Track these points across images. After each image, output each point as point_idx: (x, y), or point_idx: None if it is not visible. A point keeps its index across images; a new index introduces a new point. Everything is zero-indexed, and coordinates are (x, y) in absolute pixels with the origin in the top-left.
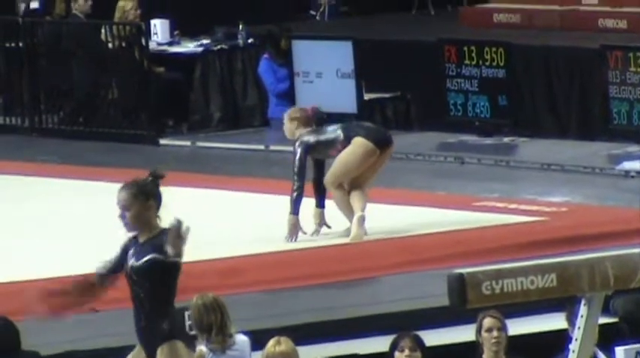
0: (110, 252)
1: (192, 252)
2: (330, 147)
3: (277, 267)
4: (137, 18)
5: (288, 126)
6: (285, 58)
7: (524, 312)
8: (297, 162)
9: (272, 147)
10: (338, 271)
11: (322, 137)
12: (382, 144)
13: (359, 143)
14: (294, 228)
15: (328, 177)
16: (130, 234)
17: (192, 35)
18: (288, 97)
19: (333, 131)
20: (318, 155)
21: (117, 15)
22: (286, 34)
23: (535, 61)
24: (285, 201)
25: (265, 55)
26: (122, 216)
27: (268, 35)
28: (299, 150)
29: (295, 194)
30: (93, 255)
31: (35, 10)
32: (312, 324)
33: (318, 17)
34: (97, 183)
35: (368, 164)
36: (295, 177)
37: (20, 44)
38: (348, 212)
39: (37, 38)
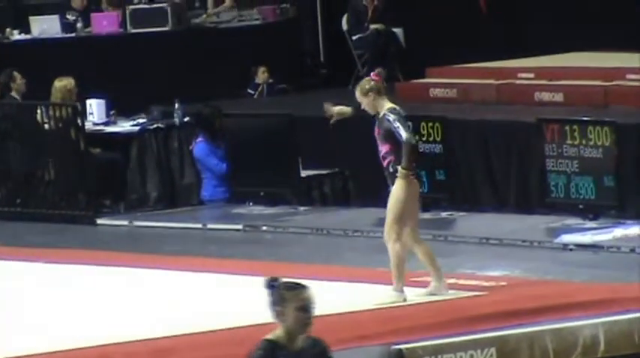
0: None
1: (129, 332)
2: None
3: (215, 346)
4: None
5: (366, 102)
6: (220, 139)
7: None
8: (397, 123)
9: (209, 226)
10: None
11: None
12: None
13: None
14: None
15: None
16: None
17: (128, 115)
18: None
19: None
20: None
21: (57, 95)
22: (218, 114)
23: (472, 135)
24: (223, 280)
25: (200, 139)
26: None
27: (200, 118)
28: (392, 116)
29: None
30: (24, 336)
31: None
32: None
33: (256, 96)
34: (35, 264)
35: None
36: (404, 132)
37: None
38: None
39: None
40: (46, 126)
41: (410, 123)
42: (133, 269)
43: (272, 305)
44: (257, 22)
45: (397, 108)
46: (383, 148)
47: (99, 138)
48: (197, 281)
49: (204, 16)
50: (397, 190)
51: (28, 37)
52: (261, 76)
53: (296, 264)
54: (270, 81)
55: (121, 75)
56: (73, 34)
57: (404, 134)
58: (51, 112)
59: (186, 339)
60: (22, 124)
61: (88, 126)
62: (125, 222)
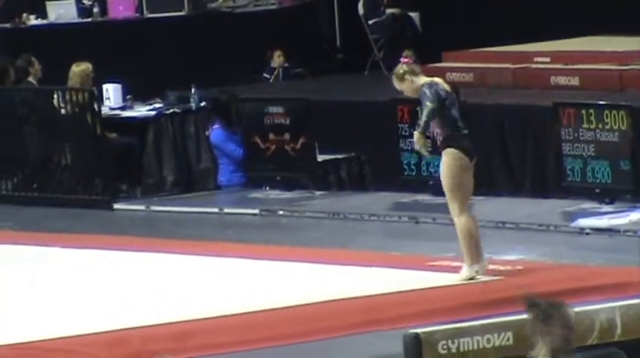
0: (65, 317)
1: (146, 316)
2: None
3: (232, 330)
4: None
5: (405, 86)
6: (236, 125)
7: None
8: (429, 91)
9: (226, 210)
10: (293, 333)
11: (451, 97)
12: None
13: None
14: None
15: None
16: None
17: (145, 99)
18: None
19: (455, 115)
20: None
21: (74, 80)
22: (234, 100)
23: (488, 120)
24: (240, 264)
25: (216, 125)
26: None
27: (216, 104)
28: (432, 89)
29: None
30: (48, 321)
31: None
32: None
33: (272, 80)
34: (52, 249)
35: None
36: (430, 97)
37: None
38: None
39: None
40: (63, 111)
41: (443, 95)
42: (149, 254)
43: (536, 325)
44: (273, 7)
45: (433, 82)
46: (433, 129)
47: (115, 123)
48: (214, 266)
49: (221, 0)
50: (441, 166)
51: (44, 22)
52: (277, 59)
53: (312, 248)
54: (286, 65)
55: (138, 60)
56: (89, 19)
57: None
58: (67, 97)
59: (204, 323)
60: (39, 109)
61: (105, 110)
62: (142, 207)
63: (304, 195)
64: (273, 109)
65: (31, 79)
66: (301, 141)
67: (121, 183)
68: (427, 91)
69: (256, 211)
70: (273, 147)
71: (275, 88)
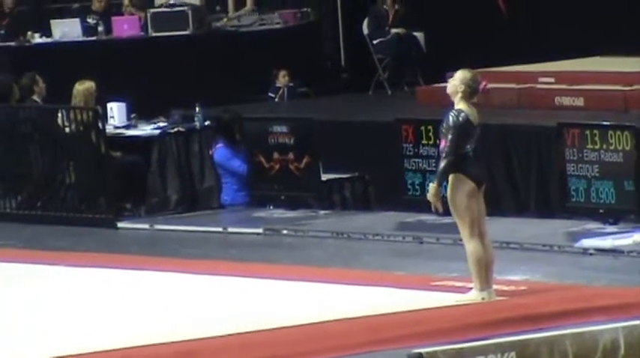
0: (68, 336)
1: (150, 336)
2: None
3: (235, 350)
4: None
5: (456, 85)
6: (239, 143)
7: None
8: (455, 134)
9: (230, 229)
10: (297, 353)
11: (474, 130)
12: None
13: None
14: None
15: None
16: None
17: (149, 118)
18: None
19: (469, 149)
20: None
21: (78, 98)
22: (238, 119)
23: (492, 140)
24: (243, 283)
25: (220, 144)
26: None
27: (219, 123)
28: (459, 124)
29: (445, 164)
30: (48, 340)
31: None
32: None
33: (277, 99)
34: (56, 268)
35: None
36: (449, 148)
37: None
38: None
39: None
40: (67, 129)
41: (462, 122)
42: (153, 273)
43: None
44: (278, 26)
45: (464, 113)
46: (441, 143)
47: (119, 142)
48: (218, 285)
49: (225, 19)
50: (448, 190)
51: (49, 40)
52: (282, 79)
53: (316, 267)
54: (291, 84)
55: (142, 78)
56: (94, 38)
57: (448, 147)
58: (72, 116)
59: (209, 342)
60: (43, 128)
61: (109, 129)
62: (146, 226)
63: (308, 215)
64: (277, 129)
65: (35, 97)
66: (305, 160)
67: (125, 201)
68: (453, 131)
69: (260, 230)
70: (278, 166)
71: (279, 107)
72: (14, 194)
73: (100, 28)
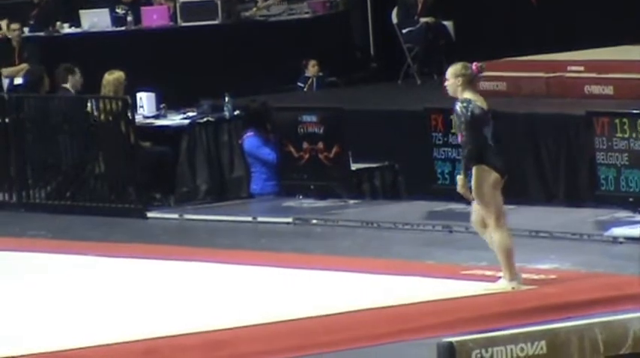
0: (97, 326)
1: (178, 326)
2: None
3: (266, 339)
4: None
5: (452, 82)
6: (269, 132)
7: None
8: (469, 124)
9: (260, 219)
10: (326, 342)
11: (486, 116)
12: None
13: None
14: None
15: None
16: None
17: (178, 108)
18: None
19: (487, 134)
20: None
21: (108, 88)
22: (267, 108)
23: (521, 129)
24: (273, 273)
25: (249, 133)
26: None
27: (248, 112)
28: (469, 114)
29: (468, 153)
30: (77, 329)
31: (19, 85)
32: None
33: (305, 89)
34: (85, 258)
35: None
36: (468, 137)
37: (6, 120)
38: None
39: (23, 113)
40: (97, 119)
41: (477, 112)
42: (182, 263)
43: None
44: (307, 16)
45: (472, 101)
46: (459, 137)
47: (149, 132)
48: (247, 275)
49: (254, 9)
50: (472, 182)
51: (78, 30)
52: (312, 69)
53: (345, 257)
54: (320, 74)
55: (171, 68)
56: (123, 28)
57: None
58: (101, 105)
59: (236, 332)
60: (73, 118)
61: (139, 119)
62: (175, 216)
63: (338, 204)
64: (307, 118)
65: (67, 86)
66: (335, 150)
67: (154, 191)
68: (464, 119)
69: (290, 220)
70: (307, 156)
71: (309, 97)
72: (44, 184)
73: (129, 18)
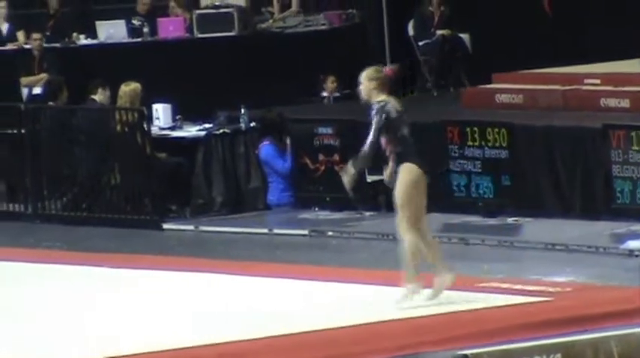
0: (113, 338)
1: (195, 337)
2: (395, 132)
3: (281, 352)
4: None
5: (366, 86)
6: (284, 142)
7: None
8: (374, 126)
9: (276, 231)
10: (342, 354)
11: (399, 124)
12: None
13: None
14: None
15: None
16: None
17: (194, 119)
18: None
19: (405, 133)
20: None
21: (124, 99)
22: (283, 119)
23: (538, 141)
24: (288, 285)
25: (265, 142)
26: None
27: (264, 122)
28: (377, 117)
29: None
30: (96, 341)
31: (38, 95)
32: None
33: (326, 101)
34: (101, 269)
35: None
36: (370, 140)
37: (23, 130)
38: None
39: (40, 124)
40: (112, 130)
41: (394, 114)
42: (198, 274)
43: None
44: (323, 28)
45: (387, 102)
46: (385, 146)
47: (165, 143)
48: (263, 287)
49: (271, 21)
50: (397, 182)
51: (94, 41)
52: (330, 85)
53: (361, 269)
54: (337, 94)
55: (187, 80)
56: (139, 39)
57: (369, 137)
58: (117, 117)
59: (254, 344)
60: (89, 129)
61: (154, 130)
62: (191, 227)
63: (354, 216)
64: (322, 130)
65: (95, 97)
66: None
67: (170, 203)
68: (374, 122)
69: (306, 232)
70: (323, 167)
71: (324, 109)
72: (60, 195)
73: (146, 30)
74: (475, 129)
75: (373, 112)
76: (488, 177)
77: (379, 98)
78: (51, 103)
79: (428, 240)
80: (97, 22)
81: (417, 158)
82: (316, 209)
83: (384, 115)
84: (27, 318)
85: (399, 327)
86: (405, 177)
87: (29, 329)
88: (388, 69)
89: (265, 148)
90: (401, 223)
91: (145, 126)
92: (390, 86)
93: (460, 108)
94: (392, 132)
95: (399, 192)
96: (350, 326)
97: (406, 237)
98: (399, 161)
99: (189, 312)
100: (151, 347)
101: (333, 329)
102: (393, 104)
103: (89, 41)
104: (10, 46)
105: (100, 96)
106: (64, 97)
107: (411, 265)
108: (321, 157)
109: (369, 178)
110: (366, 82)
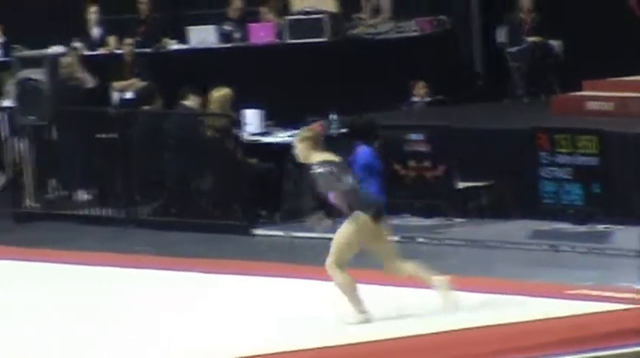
0: (202, 341)
1: (286, 342)
2: (332, 188)
3: (383, 356)
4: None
5: (300, 148)
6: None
7: None
8: (326, 184)
9: None
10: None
11: (340, 176)
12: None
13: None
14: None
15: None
16: None
17: (285, 125)
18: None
19: (352, 182)
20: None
21: (214, 105)
22: (374, 124)
23: (629, 149)
24: (379, 291)
25: (364, 147)
26: None
27: (356, 127)
28: (324, 173)
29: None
30: (186, 345)
31: (129, 100)
32: None
33: (417, 106)
34: (190, 274)
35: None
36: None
37: (115, 135)
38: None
39: (132, 129)
40: (203, 136)
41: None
42: (288, 280)
43: None
44: (415, 34)
45: (322, 161)
46: (333, 200)
47: (255, 149)
48: None
49: (361, 27)
50: (343, 224)
51: (185, 47)
52: (420, 91)
53: (451, 275)
54: (428, 99)
55: (278, 85)
56: (229, 44)
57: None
58: (207, 122)
59: (344, 350)
60: (179, 134)
61: (245, 136)
62: (281, 233)
63: (443, 223)
64: (413, 136)
65: (187, 103)
66: (441, 168)
67: (260, 208)
68: (323, 172)
69: (396, 238)
70: (413, 174)
71: (415, 115)
72: (149, 200)
73: (236, 35)
74: (566, 136)
75: (318, 171)
76: (578, 185)
77: (316, 158)
78: (146, 108)
79: (408, 265)
80: (188, 28)
81: (368, 205)
82: (406, 215)
83: (327, 171)
84: (117, 322)
85: (486, 334)
86: (351, 226)
87: (120, 333)
88: (317, 125)
89: (364, 151)
90: (329, 258)
91: (235, 131)
92: (323, 141)
93: (550, 115)
94: (337, 185)
95: (340, 237)
96: (435, 333)
97: (335, 274)
98: (352, 211)
99: (278, 318)
100: (241, 353)
101: (419, 335)
102: (329, 158)
103: (180, 46)
104: (101, 51)
105: (191, 101)
106: (159, 104)
107: (353, 296)
108: (411, 163)
109: (460, 185)
110: (299, 144)
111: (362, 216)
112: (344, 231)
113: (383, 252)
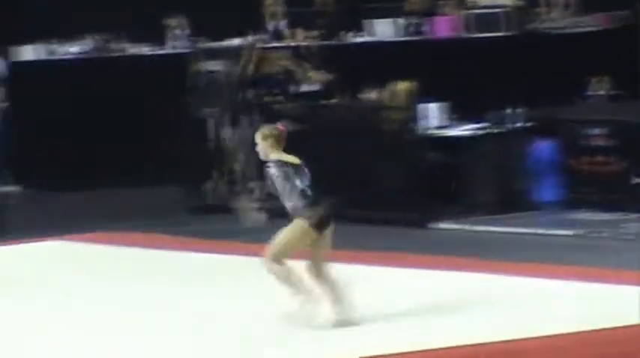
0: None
1: (469, 335)
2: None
3: (563, 350)
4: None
5: (261, 145)
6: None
7: None
8: (282, 182)
9: (542, 231)
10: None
11: (292, 179)
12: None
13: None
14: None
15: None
16: None
17: (467, 119)
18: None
19: (301, 186)
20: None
21: (398, 98)
22: (555, 123)
23: None
24: (554, 286)
25: (542, 142)
26: None
27: (539, 124)
28: (279, 173)
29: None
30: (359, 339)
31: (310, 92)
32: None
33: (596, 101)
34: (367, 268)
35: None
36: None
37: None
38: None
39: (314, 122)
40: (384, 129)
41: (290, 171)
42: (466, 274)
43: None
44: (593, 29)
45: (281, 160)
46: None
47: (435, 142)
48: (531, 286)
49: (539, 21)
50: (286, 228)
51: (365, 39)
52: (599, 86)
53: (629, 270)
54: (602, 92)
55: (460, 79)
56: (410, 37)
57: (287, 192)
58: (390, 115)
59: (534, 343)
60: (360, 127)
61: (426, 129)
62: (459, 226)
63: (620, 218)
64: (592, 131)
65: (368, 96)
66: (621, 163)
67: (438, 201)
68: (276, 172)
69: (571, 233)
70: (592, 168)
71: (591, 110)
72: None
73: (416, 28)
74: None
75: (272, 170)
76: None
77: (275, 156)
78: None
79: (327, 281)
80: (369, 20)
81: (311, 214)
82: (584, 210)
83: (279, 172)
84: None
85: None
86: (294, 231)
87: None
88: (281, 125)
89: (543, 146)
90: (268, 250)
91: (416, 124)
92: (283, 142)
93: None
94: (286, 188)
95: (283, 238)
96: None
97: (272, 268)
98: (294, 215)
99: (458, 311)
100: (420, 346)
101: (595, 330)
102: (287, 159)
103: (360, 39)
104: (285, 43)
105: (372, 94)
106: (341, 96)
107: (295, 285)
108: (589, 158)
109: (636, 180)
110: (261, 141)
111: (304, 224)
112: (287, 234)
113: (317, 256)
